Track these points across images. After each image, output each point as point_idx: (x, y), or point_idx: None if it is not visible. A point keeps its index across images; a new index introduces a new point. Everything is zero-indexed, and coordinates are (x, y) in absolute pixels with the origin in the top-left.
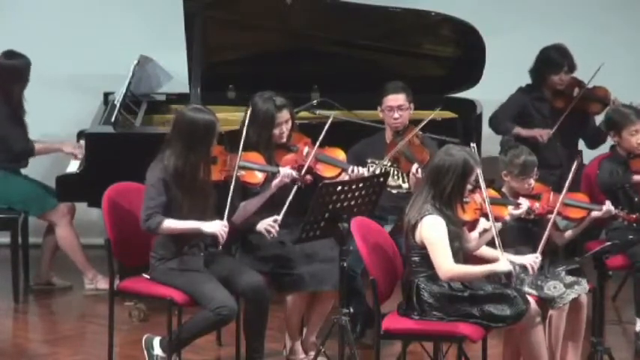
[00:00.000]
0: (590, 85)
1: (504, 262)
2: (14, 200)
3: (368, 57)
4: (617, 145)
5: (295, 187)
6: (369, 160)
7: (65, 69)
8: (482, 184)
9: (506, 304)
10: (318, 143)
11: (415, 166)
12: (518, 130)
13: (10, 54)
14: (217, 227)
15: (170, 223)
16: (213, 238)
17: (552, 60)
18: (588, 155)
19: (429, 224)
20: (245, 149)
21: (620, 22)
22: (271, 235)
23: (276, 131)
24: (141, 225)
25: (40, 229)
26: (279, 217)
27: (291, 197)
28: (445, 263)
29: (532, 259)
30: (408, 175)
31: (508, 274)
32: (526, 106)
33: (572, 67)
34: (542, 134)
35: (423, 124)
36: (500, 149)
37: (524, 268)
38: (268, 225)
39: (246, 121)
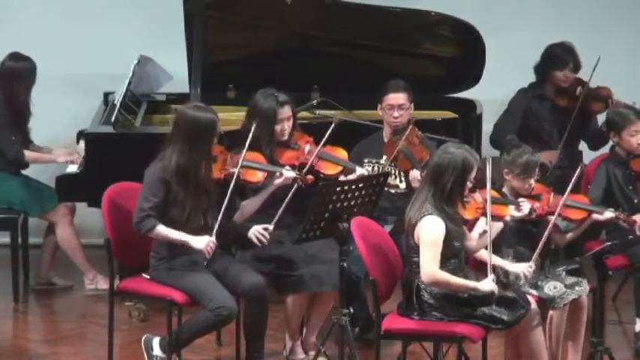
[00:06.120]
0: (592, 85)
1: (488, 282)
2: (14, 201)
3: (368, 57)
4: (617, 145)
5: (293, 190)
6: (366, 160)
7: (65, 69)
8: (489, 183)
9: (506, 306)
10: (323, 142)
11: (416, 171)
12: None
13: (16, 56)
14: (204, 243)
15: (161, 231)
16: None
17: (558, 56)
18: (588, 155)
19: (427, 224)
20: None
21: (620, 22)
22: (261, 244)
23: (278, 128)
24: (133, 224)
25: (40, 229)
26: (271, 227)
27: (285, 204)
28: (429, 266)
29: (525, 268)
30: (406, 174)
31: (490, 295)
32: (527, 106)
33: (577, 66)
34: (551, 159)
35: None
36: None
37: (517, 276)
38: (259, 233)
39: (254, 124)
